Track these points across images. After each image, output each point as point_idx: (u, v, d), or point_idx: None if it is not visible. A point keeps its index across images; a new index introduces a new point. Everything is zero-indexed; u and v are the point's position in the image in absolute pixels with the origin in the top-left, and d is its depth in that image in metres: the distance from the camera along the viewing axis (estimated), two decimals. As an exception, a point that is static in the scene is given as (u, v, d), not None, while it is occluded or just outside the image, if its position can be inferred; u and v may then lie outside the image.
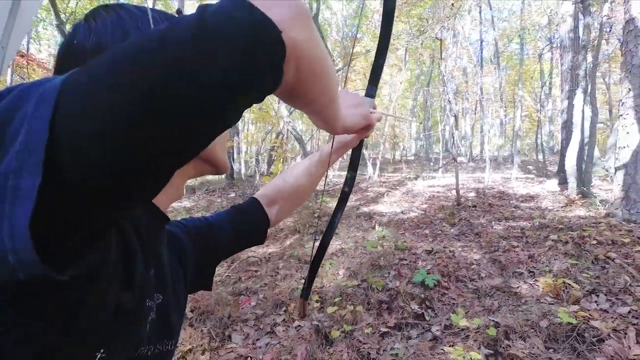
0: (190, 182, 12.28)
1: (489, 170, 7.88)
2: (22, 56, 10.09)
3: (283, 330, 2.86)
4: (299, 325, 2.91)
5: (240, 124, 16.71)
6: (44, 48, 17.89)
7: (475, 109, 13.46)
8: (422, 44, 7.86)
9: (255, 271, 4.15)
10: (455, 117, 6.36)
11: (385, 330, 2.70)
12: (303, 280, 3.52)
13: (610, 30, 7.92)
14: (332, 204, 7.07)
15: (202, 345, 2.66)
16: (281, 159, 5.81)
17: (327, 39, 14.77)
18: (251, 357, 2.56)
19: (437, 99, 16.41)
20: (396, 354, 2.43)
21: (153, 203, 0.49)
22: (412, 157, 16.80)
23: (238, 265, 4.46)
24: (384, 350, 2.51)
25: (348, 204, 5.04)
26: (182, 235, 0.66)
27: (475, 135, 15.26)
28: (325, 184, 9.37)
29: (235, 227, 0.76)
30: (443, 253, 3.88)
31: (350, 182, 0.93)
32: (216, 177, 15.98)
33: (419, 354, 2.41)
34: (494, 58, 12.31)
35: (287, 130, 10.49)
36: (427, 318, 2.80)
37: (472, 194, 6.70)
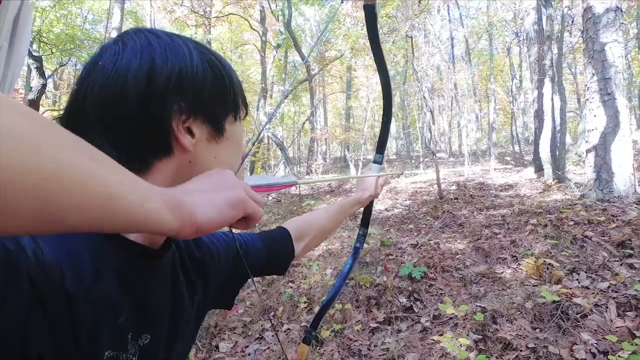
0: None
1: (468, 164, 8.03)
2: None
3: (272, 335, 2.80)
4: (288, 329, 2.86)
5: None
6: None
7: (451, 105, 13.76)
8: (393, 42, 7.99)
9: (242, 279, 4.08)
10: (432, 112, 6.47)
11: (375, 325, 2.68)
12: (291, 288, 3.48)
13: (572, 22, 8.25)
14: (317, 206, 7.04)
15: (188, 357, 2.57)
16: (260, 165, 5.75)
17: (301, 45, 14.85)
18: (240, 365, 2.50)
19: (413, 98, 16.67)
20: (387, 348, 2.42)
21: (129, 244, 0.43)
22: (394, 156, 16.99)
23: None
24: (374, 346, 2.49)
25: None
26: (220, 250, 0.65)
27: (453, 131, 15.58)
28: (310, 188, 9.32)
29: (268, 250, 0.76)
30: (428, 245, 3.90)
31: (361, 239, 0.99)
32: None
33: (409, 346, 2.40)
34: (465, 55, 12.62)
35: (268, 136, 10.45)
36: (415, 310, 2.80)
37: (454, 187, 6.80)
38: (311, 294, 3.25)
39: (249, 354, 2.62)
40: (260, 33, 11.98)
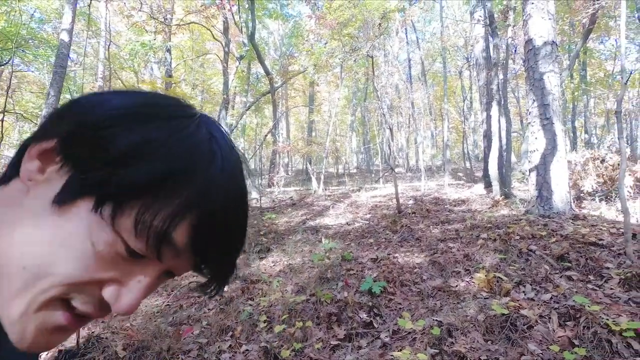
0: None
1: (424, 179, 8.39)
2: None
3: (230, 357, 2.69)
4: (247, 350, 2.76)
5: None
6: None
7: (409, 122, 14.41)
8: (355, 61, 8.26)
9: (198, 297, 3.89)
10: (390, 129, 6.72)
11: (336, 343, 2.67)
12: (250, 306, 3.38)
13: (515, 51, 9.05)
14: (278, 220, 6.97)
15: (138, 384, 2.39)
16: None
17: (265, 57, 14.88)
18: (195, 391, 2.36)
19: (373, 114, 17.23)
20: (348, 365, 2.41)
21: None
22: (355, 170, 17.36)
23: (179, 292, 4.16)
24: (335, 364, 2.48)
25: (295, 219, 5.03)
26: None
27: (411, 147, 16.25)
28: (271, 201, 9.19)
29: None
30: (388, 260, 3.98)
31: None
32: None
33: (369, 363, 2.41)
34: (422, 76, 13.32)
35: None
36: (375, 325, 2.83)
37: (411, 202, 7.05)
38: (271, 312, 3.18)
39: (205, 379, 2.49)
40: (223, 44, 11.84)
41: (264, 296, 3.59)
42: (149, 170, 0.31)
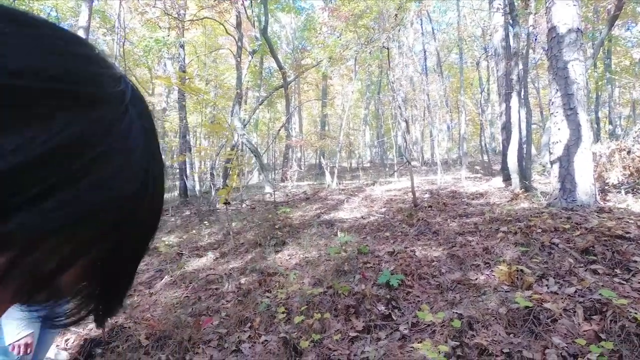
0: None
1: (440, 172, 8.28)
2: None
3: (249, 347, 2.72)
4: (266, 340, 2.79)
5: (192, 139, 16.16)
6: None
7: (424, 115, 14.19)
8: (370, 53, 8.16)
9: (216, 289, 3.95)
10: (407, 122, 6.63)
11: (354, 334, 2.67)
12: (268, 298, 3.41)
13: (535, 40, 8.78)
14: (293, 214, 6.98)
15: (160, 373, 2.44)
16: (236, 172, 5.64)
17: (277, 51, 14.87)
18: (216, 380, 2.40)
19: (387, 107, 17.04)
20: (367, 357, 2.40)
21: None
22: (368, 164, 17.26)
23: (197, 285, 4.22)
24: (354, 355, 2.47)
25: (309, 213, 5.03)
26: None
27: (426, 140, 16.04)
28: (285, 195, 9.23)
29: None
30: (405, 253, 3.95)
31: None
32: (169, 195, 15.22)
33: (389, 354, 2.40)
34: (437, 67, 13.08)
35: (242, 143, 10.31)
36: (394, 318, 2.81)
37: (427, 195, 6.96)
38: (289, 304, 3.20)
39: (225, 368, 2.53)
40: (236, 38, 11.87)
41: (281, 288, 3.61)
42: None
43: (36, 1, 12.88)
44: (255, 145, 11.46)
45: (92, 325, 3.34)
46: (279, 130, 12.25)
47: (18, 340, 1.50)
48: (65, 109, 0.22)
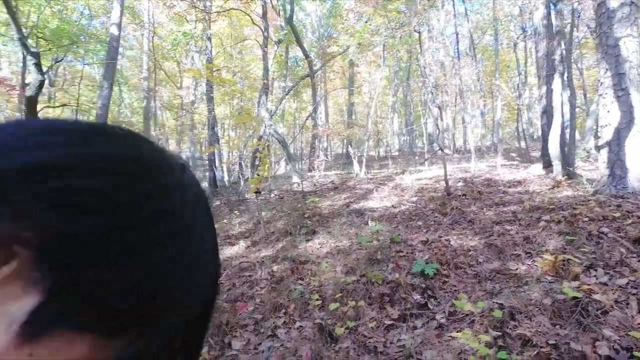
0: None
1: (474, 160, 7.99)
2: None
3: (285, 332, 2.77)
4: (301, 326, 2.82)
5: (219, 130, 16.48)
6: (4, 65, 17.22)
7: (455, 101, 13.68)
8: (400, 38, 7.90)
9: (250, 276, 4.04)
10: (439, 108, 6.41)
11: (390, 322, 2.65)
12: (301, 285, 3.45)
13: (579, 17, 8.18)
14: (321, 203, 6.99)
15: (201, 355, 2.53)
16: (267, 162, 5.69)
17: (303, 40, 14.76)
18: (254, 363, 2.46)
19: (417, 94, 16.59)
20: (403, 345, 2.38)
21: None
22: (397, 153, 16.95)
23: (230, 272, 4.33)
24: (390, 343, 2.46)
25: (338, 202, 5.03)
26: None
27: (457, 127, 15.50)
28: (312, 185, 9.24)
29: None
30: (439, 242, 3.86)
31: None
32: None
33: (426, 343, 2.37)
34: (470, 50, 12.52)
35: (269, 133, 10.39)
36: (430, 307, 2.77)
37: (460, 184, 6.75)
38: (322, 291, 3.21)
39: (262, 351, 2.59)
40: (262, 28, 11.87)
41: (314, 276, 3.64)
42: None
43: (70, 0, 13.42)
44: (282, 136, 11.51)
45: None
46: (306, 119, 12.23)
47: None
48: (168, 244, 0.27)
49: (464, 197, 5.71)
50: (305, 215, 6.14)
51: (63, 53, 11.98)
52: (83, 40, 13.36)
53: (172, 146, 19.45)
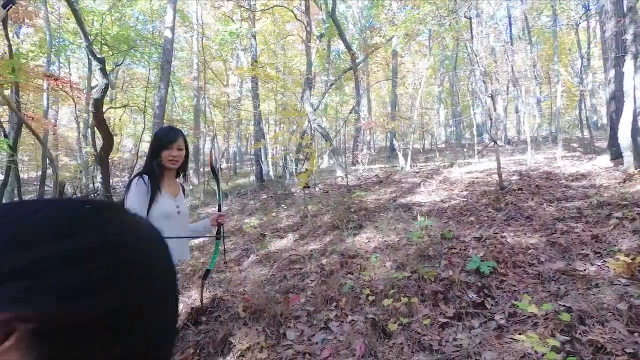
0: (223, 186, 12.55)
1: (530, 151, 7.49)
2: (56, 79, 10.57)
3: (337, 326, 2.81)
4: (353, 320, 2.86)
5: (265, 126, 16.91)
6: (73, 71, 18.87)
7: (507, 89, 12.84)
8: (449, 24, 7.55)
9: (300, 269, 4.13)
10: (492, 97, 6.07)
11: (445, 320, 2.59)
12: (350, 279, 3.47)
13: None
14: (367, 198, 6.96)
15: (258, 343, 2.66)
16: (315, 156, 5.76)
17: (345, 31, 14.61)
18: (309, 354, 2.53)
19: (464, 82, 15.84)
20: (460, 344, 2.32)
21: None
22: (443, 145, 16.32)
23: (281, 264, 4.47)
24: (446, 341, 2.41)
25: (384, 196, 4.97)
26: None
27: (509, 117, 14.55)
28: (356, 179, 9.20)
29: None
30: (494, 239, 3.70)
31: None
32: (246, 179, 16.24)
33: (485, 344, 2.29)
34: (523, 34, 11.67)
35: (313, 127, 10.47)
36: (487, 306, 2.67)
37: (515, 177, 6.38)
38: (373, 286, 3.22)
39: (316, 343, 2.65)
40: (305, 23, 11.93)
41: (363, 271, 3.65)
42: None
43: (128, 8, 14.37)
44: (326, 130, 11.55)
45: (195, 296, 3.75)
46: (350, 113, 12.16)
47: None
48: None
49: (519, 191, 5.40)
50: (352, 210, 6.15)
51: (122, 57, 12.91)
52: (138, 43, 14.25)
53: (220, 142, 20.26)
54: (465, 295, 2.81)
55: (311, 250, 4.64)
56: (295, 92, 12.85)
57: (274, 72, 16.43)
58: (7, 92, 8.23)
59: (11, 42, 8.03)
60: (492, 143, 5.41)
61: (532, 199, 4.83)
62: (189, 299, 3.76)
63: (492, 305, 2.69)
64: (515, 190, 5.45)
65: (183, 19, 17.16)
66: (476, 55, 5.85)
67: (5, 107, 9.30)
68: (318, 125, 10.75)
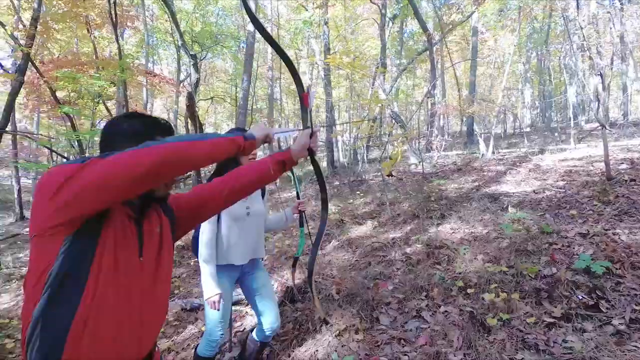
0: (298, 172, 13.04)
1: (643, 136, 6.49)
2: (154, 76, 11.79)
3: (430, 315, 2.84)
4: (446, 311, 2.86)
5: (337, 113, 17.03)
6: (164, 67, 20.85)
7: (612, 63, 11.12)
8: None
9: (384, 256, 4.20)
10: (601, 75, 5.35)
11: (551, 320, 2.47)
12: (439, 270, 3.44)
13: None
14: (446, 187, 6.71)
15: (354, 325, 2.80)
16: (401, 144, 5.70)
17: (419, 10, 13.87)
18: (404, 340, 2.61)
19: (555, 58, 14.14)
20: (571, 347, 2.21)
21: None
22: (528, 129, 14.81)
23: (363, 250, 4.58)
24: (554, 342, 2.31)
25: (465, 185, 4.77)
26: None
27: (612, 96, 12.60)
28: (432, 166, 8.86)
29: None
30: (604, 236, 3.36)
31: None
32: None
33: (601, 349, 2.15)
34: (637, -3, 9.95)
35: (388, 114, 10.28)
36: (602, 309, 2.47)
37: (625, 166, 5.61)
38: (466, 278, 3.16)
39: (410, 330, 2.72)
40: (380, 6, 11.61)
41: (452, 262, 3.60)
42: None
43: (210, 6, 15.35)
44: (399, 115, 11.24)
45: (288, 276, 4.05)
46: (425, 96, 11.65)
47: (208, 298, 2.01)
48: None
49: (632, 182, 4.76)
50: (431, 199, 6.02)
51: (206, 51, 13.96)
52: (219, 38, 15.21)
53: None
54: (574, 296, 2.63)
55: (393, 239, 4.67)
56: (367, 78, 12.67)
57: (349, 59, 16.36)
58: (114, 89, 9.46)
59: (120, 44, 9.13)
60: (599, 127, 4.81)
61: (650, 192, 4.24)
62: (282, 278, 4.08)
63: (607, 308, 2.49)
64: (626, 181, 4.82)
65: (258, 11, 17.84)
66: (582, 28, 5.17)
67: (113, 100, 10.70)
68: (391, 111, 10.53)
